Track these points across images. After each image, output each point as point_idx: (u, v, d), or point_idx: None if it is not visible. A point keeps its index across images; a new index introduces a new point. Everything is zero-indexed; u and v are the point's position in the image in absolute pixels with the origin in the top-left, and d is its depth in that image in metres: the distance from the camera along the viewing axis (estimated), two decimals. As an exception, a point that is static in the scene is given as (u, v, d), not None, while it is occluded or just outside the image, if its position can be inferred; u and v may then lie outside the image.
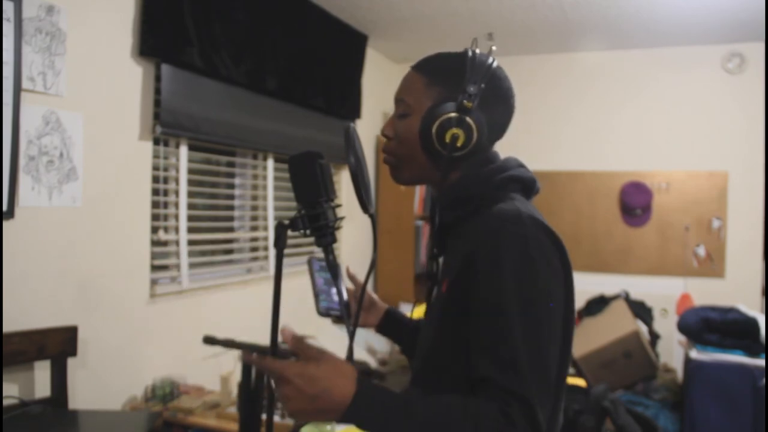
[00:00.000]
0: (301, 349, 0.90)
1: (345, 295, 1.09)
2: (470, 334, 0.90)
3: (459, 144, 1.01)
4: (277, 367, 0.86)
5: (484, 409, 0.82)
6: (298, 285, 3.67)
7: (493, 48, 1.10)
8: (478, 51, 1.06)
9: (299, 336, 0.90)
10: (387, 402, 0.84)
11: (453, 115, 1.01)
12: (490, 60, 1.05)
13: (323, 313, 1.14)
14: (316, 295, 1.15)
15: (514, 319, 0.86)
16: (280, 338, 0.97)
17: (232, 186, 3.31)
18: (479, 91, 1.01)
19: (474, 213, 0.99)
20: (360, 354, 3.58)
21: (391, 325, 1.29)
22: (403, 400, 0.84)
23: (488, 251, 0.91)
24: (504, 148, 1.10)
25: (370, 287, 1.27)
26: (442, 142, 1.01)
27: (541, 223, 0.94)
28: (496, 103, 1.04)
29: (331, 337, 3.59)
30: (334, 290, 1.15)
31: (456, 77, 1.02)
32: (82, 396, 2.26)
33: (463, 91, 1.01)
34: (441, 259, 1.09)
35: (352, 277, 1.29)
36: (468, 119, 1.01)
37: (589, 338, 3.70)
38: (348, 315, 1.10)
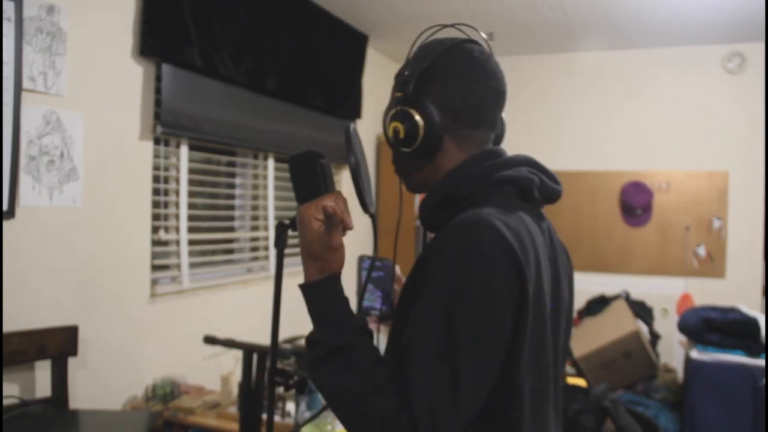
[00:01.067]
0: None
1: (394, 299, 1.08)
2: (400, 341, 0.87)
3: (401, 137, 0.92)
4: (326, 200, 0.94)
5: (385, 398, 0.79)
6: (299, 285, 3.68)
7: (489, 34, 1.05)
8: (436, 37, 0.99)
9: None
10: (335, 310, 0.89)
11: (393, 110, 0.94)
12: (443, 41, 0.96)
13: (364, 312, 1.12)
14: (360, 293, 1.13)
15: (429, 339, 0.79)
16: (280, 338, 0.97)
17: (232, 186, 3.31)
18: (414, 75, 0.92)
19: (457, 214, 0.90)
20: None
21: None
22: (349, 326, 0.87)
23: (429, 261, 0.85)
24: (503, 148, 1.09)
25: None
26: (390, 141, 0.95)
27: (501, 236, 0.81)
28: (449, 83, 0.93)
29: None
30: (378, 291, 1.14)
31: (405, 69, 0.95)
32: (82, 396, 2.26)
33: (399, 81, 0.94)
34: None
35: (398, 279, 1.22)
36: (405, 108, 0.92)
37: (590, 338, 3.70)
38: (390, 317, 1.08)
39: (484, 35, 1.02)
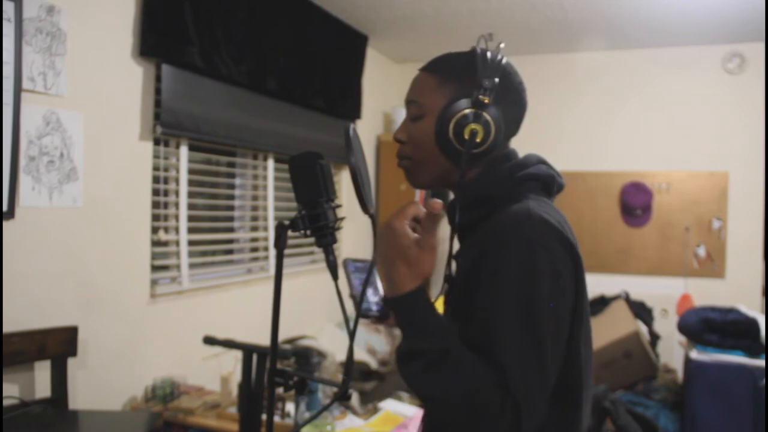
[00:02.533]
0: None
1: (381, 292, 1.08)
2: (474, 336, 0.90)
3: (478, 140, 0.99)
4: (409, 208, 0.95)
5: (490, 389, 0.84)
6: (299, 285, 3.68)
7: (501, 45, 1.09)
8: (486, 47, 1.04)
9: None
10: (434, 317, 0.91)
11: (469, 111, 0.99)
12: (500, 55, 1.04)
13: (363, 315, 1.11)
14: (354, 297, 1.12)
15: (511, 326, 0.86)
16: (280, 339, 0.97)
17: (232, 186, 3.31)
18: (493, 86, 0.99)
19: (491, 212, 0.98)
20: (360, 354, 3.58)
21: None
22: (445, 327, 0.91)
23: (493, 254, 0.90)
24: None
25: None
26: (461, 140, 0.99)
27: (552, 226, 0.91)
28: (509, 97, 1.03)
29: (331, 338, 3.59)
30: (370, 291, 1.14)
31: (468, 74, 1.01)
32: (82, 396, 2.26)
33: (477, 87, 0.99)
34: (460, 260, 1.07)
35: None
36: (485, 114, 0.99)
37: (590, 338, 3.70)
38: (387, 315, 1.08)
39: (502, 45, 1.08)
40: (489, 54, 1.03)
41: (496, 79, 1.00)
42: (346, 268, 1.11)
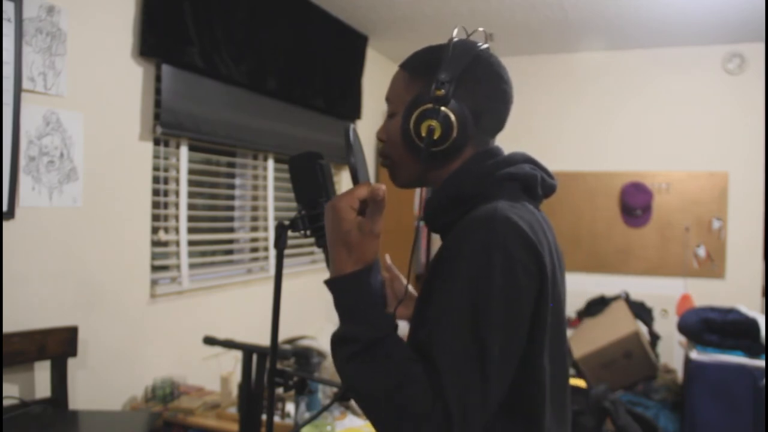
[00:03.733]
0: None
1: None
2: (419, 339, 0.88)
3: (436, 137, 0.94)
4: (360, 188, 0.91)
5: (418, 388, 0.80)
6: (299, 285, 3.68)
7: (480, 29, 1.05)
8: (461, 38, 1.01)
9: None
10: (369, 304, 0.87)
11: (428, 106, 0.94)
12: (479, 45, 0.99)
13: None
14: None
15: (456, 330, 0.81)
16: (280, 339, 0.97)
17: (232, 186, 3.31)
18: (455, 78, 0.94)
19: (468, 213, 0.92)
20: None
21: None
22: (386, 319, 0.87)
23: (450, 254, 0.87)
24: (504, 148, 1.09)
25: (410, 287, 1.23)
26: (420, 137, 0.95)
27: (517, 228, 0.84)
28: (479, 88, 0.97)
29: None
30: None
31: (434, 68, 0.97)
32: (82, 396, 2.26)
33: (436, 81, 0.95)
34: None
35: (388, 268, 1.24)
36: (444, 109, 0.94)
37: (590, 339, 3.70)
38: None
39: (486, 44, 1.03)
40: (459, 44, 0.99)
41: (461, 71, 0.95)
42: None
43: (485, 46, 1.01)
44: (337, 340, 0.88)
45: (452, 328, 0.82)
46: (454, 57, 0.97)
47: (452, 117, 0.94)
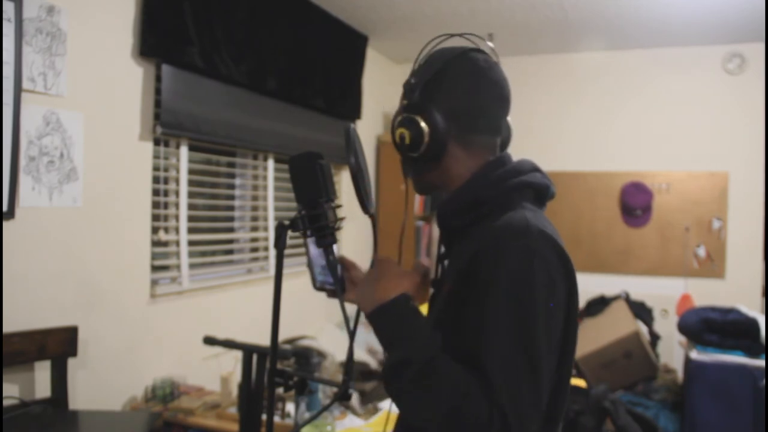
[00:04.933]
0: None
1: (340, 270, 1.10)
2: (463, 344, 0.88)
3: (407, 142, 0.97)
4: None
5: (477, 401, 0.82)
6: (299, 285, 3.68)
7: (489, 35, 1.08)
8: (441, 43, 1.04)
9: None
10: (416, 324, 0.91)
11: (399, 117, 0.98)
12: (448, 49, 1.01)
13: (319, 287, 1.12)
14: (311, 268, 1.12)
15: (507, 336, 0.84)
16: (280, 339, 0.97)
17: (232, 186, 3.31)
18: (420, 83, 0.97)
19: (483, 218, 0.96)
20: (360, 354, 3.58)
21: None
22: (429, 335, 0.90)
23: (490, 263, 0.88)
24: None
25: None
26: (397, 146, 0.99)
27: (549, 237, 0.90)
28: (451, 90, 0.98)
29: (331, 338, 3.59)
30: (322, 265, 1.14)
31: (414, 77, 1.00)
32: (82, 396, 2.26)
33: (404, 90, 0.98)
34: (446, 263, 1.07)
35: (342, 260, 1.25)
36: (411, 115, 0.96)
37: (590, 339, 3.70)
38: (342, 291, 1.10)
39: (490, 44, 1.06)
40: (435, 51, 1.02)
41: (431, 75, 0.98)
42: (306, 239, 1.10)
43: (469, 48, 1.02)
44: (391, 369, 0.88)
45: (501, 338, 0.84)
46: (426, 64, 0.99)
47: (421, 123, 0.96)
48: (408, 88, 0.98)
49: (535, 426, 0.84)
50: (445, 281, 1.02)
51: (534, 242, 0.87)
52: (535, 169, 1.02)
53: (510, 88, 1.03)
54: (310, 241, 1.09)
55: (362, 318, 1.01)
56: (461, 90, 0.98)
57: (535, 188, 0.99)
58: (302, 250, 3.86)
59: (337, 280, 1.06)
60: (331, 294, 1.14)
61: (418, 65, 1.00)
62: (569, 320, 0.91)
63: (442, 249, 1.08)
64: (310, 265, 1.12)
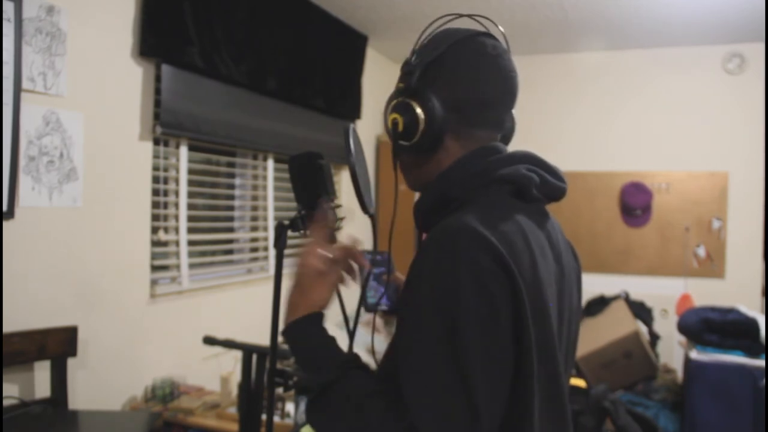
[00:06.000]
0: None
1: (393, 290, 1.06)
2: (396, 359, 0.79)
3: (400, 129, 0.87)
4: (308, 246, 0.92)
5: (385, 420, 0.74)
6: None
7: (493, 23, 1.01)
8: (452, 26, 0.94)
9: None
10: (320, 348, 0.86)
11: (395, 101, 0.88)
12: (453, 31, 0.92)
13: (371, 309, 1.05)
14: (363, 290, 1.09)
15: (433, 361, 0.72)
16: (280, 339, 0.97)
17: (232, 186, 3.31)
18: (420, 66, 0.87)
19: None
20: (360, 354, 3.58)
21: None
22: (334, 362, 0.84)
23: (413, 270, 0.79)
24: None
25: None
26: (389, 133, 0.89)
27: (484, 239, 0.75)
28: (453, 75, 0.88)
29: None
30: (376, 284, 1.11)
31: (409, 60, 0.90)
32: (82, 396, 2.26)
33: (402, 72, 0.88)
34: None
35: (397, 278, 1.18)
36: (407, 100, 0.87)
37: (589, 339, 3.70)
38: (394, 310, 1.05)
39: (501, 29, 0.98)
40: (438, 32, 0.92)
41: (432, 59, 0.88)
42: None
43: (478, 31, 0.93)
44: (301, 390, 0.87)
45: (424, 360, 0.72)
46: (428, 45, 0.90)
47: (417, 109, 0.86)
48: (406, 70, 0.88)
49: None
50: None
51: (461, 244, 0.74)
52: (526, 160, 0.89)
53: (518, 79, 0.93)
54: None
55: (362, 318, 1.00)
56: (465, 78, 0.88)
57: (513, 182, 0.85)
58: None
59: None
60: (384, 314, 1.08)
61: (420, 45, 0.90)
62: (523, 332, 0.75)
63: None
64: (363, 290, 1.06)
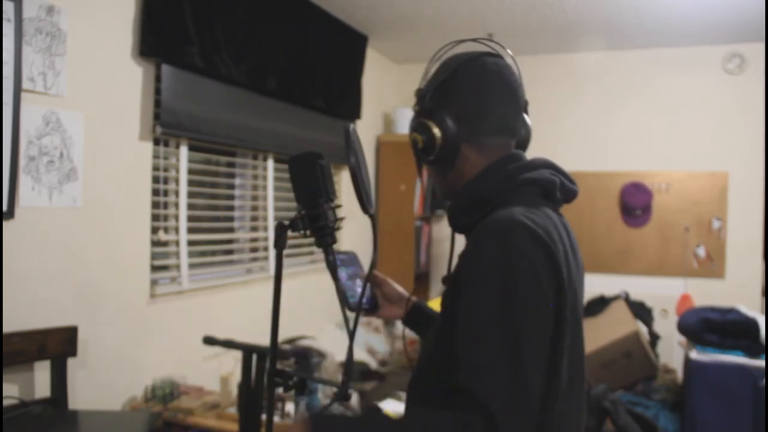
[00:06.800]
0: None
1: (370, 289, 1.11)
2: (454, 344, 0.87)
3: (421, 147, 1.01)
4: None
5: (443, 421, 0.80)
6: (299, 285, 3.68)
7: (489, 34, 1.13)
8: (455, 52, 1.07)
9: None
10: (342, 424, 0.92)
11: (414, 122, 1.02)
12: (456, 56, 1.04)
13: (354, 308, 1.11)
14: (342, 292, 1.12)
15: (487, 330, 0.83)
16: (279, 339, 0.97)
17: (232, 186, 3.31)
18: (430, 89, 1.01)
19: (486, 216, 0.96)
20: (360, 354, 3.58)
21: (417, 317, 1.27)
22: (359, 420, 0.92)
23: (470, 259, 0.90)
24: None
25: (398, 286, 1.26)
26: (414, 151, 1.03)
27: (534, 233, 0.87)
28: (460, 94, 1.01)
29: (331, 338, 3.59)
30: (358, 283, 1.14)
31: (424, 85, 1.05)
32: (82, 396, 2.26)
33: (420, 100, 1.02)
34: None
35: (375, 276, 1.26)
36: (423, 120, 1.01)
37: (589, 339, 3.68)
38: (376, 308, 1.12)
39: (509, 52, 1.11)
40: (445, 59, 1.05)
41: (440, 82, 1.02)
42: (335, 260, 1.09)
43: (479, 52, 1.05)
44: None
45: (486, 337, 0.83)
46: (437, 71, 1.04)
47: (434, 128, 0.99)
48: (420, 95, 1.02)
49: (527, 421, 0.81)
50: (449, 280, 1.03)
51: (515, 237, 0.86)
52: (547, 166, 1.02)
53: (523, 88, 1.07)
54: (337, 264, 1.07)
55: (362, 318, 1.01)
56: (470, 93, 1.01)
57: (540, 185, 0.99)
58: (302, 249, 3.86)
59: (337, 279, 1.06)
60: (366, 313, 1.15)
61: (429, 73, 1.05)
62: (560, 320, 0.88)
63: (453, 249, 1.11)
64: (340, 290, 1.09)
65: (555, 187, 1.00)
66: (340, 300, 1.06)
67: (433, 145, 0.99)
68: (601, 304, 4.08)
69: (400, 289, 1.26)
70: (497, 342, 0.82)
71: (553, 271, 0.87)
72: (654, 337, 3.96)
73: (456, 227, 1.05)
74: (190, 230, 2.85)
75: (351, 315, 1.07)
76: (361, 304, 1.07)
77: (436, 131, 0.99)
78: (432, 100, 1.01)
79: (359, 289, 1.12)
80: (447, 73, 1.01)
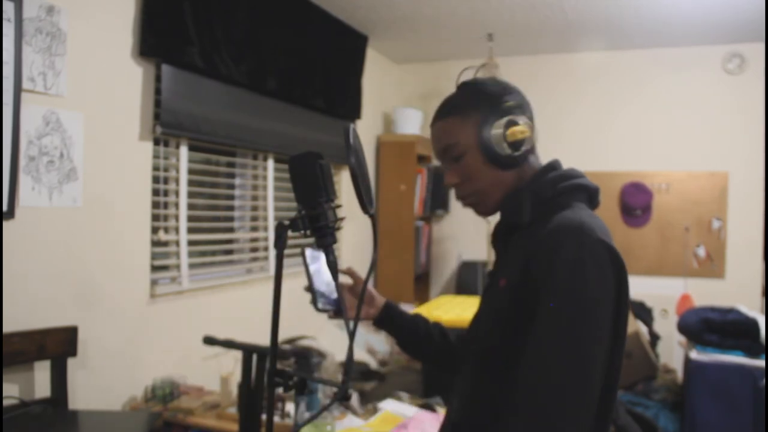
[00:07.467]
0: None
1: (337, 293, 1.11)
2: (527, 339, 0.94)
3: (515, 139, 1.06)
4: None
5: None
6: (299, 285, 3.67)
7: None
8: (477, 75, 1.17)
9: None
10: None
11: (505, 119, 1.07)
12: (500, 78, 1.14)
13: (321, 309, 1.14)
14: (313, 291, 1.15)
15: (559, 329, 0.90)
16: (280, 339, 0.97)
17: (232, 186, 3.31)
18: (517, 105, 1.10)
19: (542, 216, 1.02)
20: (360, 354, 3.58)
21: (389, 318, 1.32)
22: None
23: (546, 259, 0.94)
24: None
25: (370, 286, 1.28)
26: (510, 145, 1.07)
27: (600, 236, 0.95)
28: (521, 110, 1.10)
29: (331, 338, 3.59)
30: (324, 286, 1.16)
31: (481, 98, 1.10)
32: (82, 396, 2.26)
33: (497, 103, 1.08)
34: (502, 258, 1.14)
35: (351, 273, 1.32)
36: (513, 118, 1.07)
37: (589, 338, 3.70)
38: (344, 311, 1.11)
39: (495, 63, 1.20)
40: (491, 80, 1.15)
41: (518, 99, 1.12)
42: (305, 259, 1.11)
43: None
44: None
45: (555, 333, 0.90)
46: (501, 85, 1.13)
47: (524, 124, 1.08)
48: (503, 102, 1.10)
49: (587, 425, 0.89)
50: (500, 275, 1.07)
51: (587, 238, 0.93)
52: (583, 175, 1.14)
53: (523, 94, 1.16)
54: (309, 261, 1.10)
55: (362, 318, 1.02)
56: (528, 113, 1.14)
57: (588, 191, 1.10)
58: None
59: (337, 279, 1.06)
60: (334, 315, 1.16)
61: (504, 88, 1.14)
62: (618, 318, 0.94)
63: (498, 245, 1.16)
64: (310, 288, 1.13)
65: (598, 194, 1.13)
66: (341, 303, 1.08)
67: (523, 142, 1.06)
68: (601, 304, 4.08)
69: (372, 290, 1.30)
70: (569, 344, 0.89)
71: (616, 276, 0.94)
72: (654, 337, 3.96)
73: (510, 223, 1.09)
74: (190, 230, 2.85)
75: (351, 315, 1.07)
76: (341, 308, 1.11)
77: (529, 131, 1.07)
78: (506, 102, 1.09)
79: (322, 289, 1.15)
80: (512, 91, 1.13)
